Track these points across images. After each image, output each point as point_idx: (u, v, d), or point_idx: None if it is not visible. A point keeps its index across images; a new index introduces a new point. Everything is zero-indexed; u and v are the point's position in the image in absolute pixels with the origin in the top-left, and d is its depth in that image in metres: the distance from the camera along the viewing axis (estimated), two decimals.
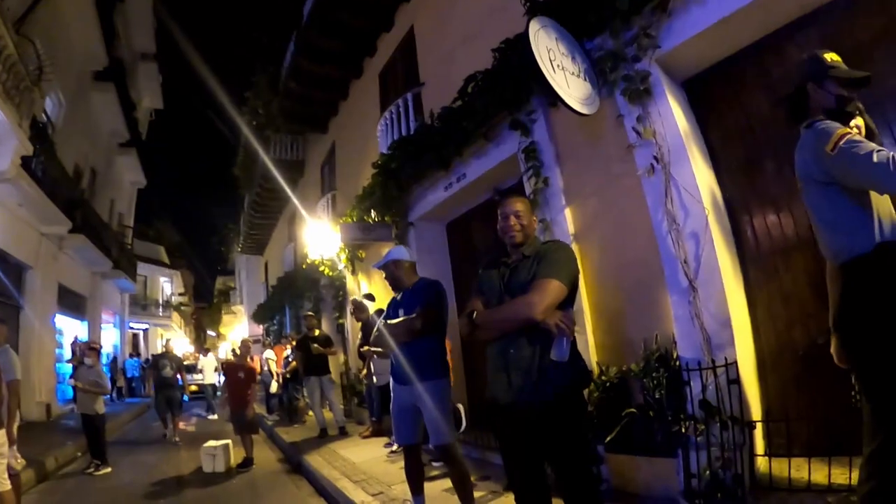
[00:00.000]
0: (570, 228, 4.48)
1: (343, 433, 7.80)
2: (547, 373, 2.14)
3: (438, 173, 6.44)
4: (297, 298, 14.72)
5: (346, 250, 9.23)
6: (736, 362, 3.12)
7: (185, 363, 12.47)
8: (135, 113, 18.70)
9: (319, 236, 9.40)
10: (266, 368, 11.50)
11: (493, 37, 5.29)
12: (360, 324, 7.09)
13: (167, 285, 29.89)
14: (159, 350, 15.71)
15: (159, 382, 9.25)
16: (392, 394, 3.50)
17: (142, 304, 25.39)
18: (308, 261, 11.17)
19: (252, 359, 9.01)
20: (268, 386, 11.37)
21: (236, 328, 32.42)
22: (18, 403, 4.92)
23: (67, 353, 13.12)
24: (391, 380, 3.52)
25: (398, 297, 3.60)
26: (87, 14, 12.26)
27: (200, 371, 14.29)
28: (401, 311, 3.44)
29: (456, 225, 7.22)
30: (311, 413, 9.85)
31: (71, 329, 14.21)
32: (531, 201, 4.26)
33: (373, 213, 7.78)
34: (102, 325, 17.50)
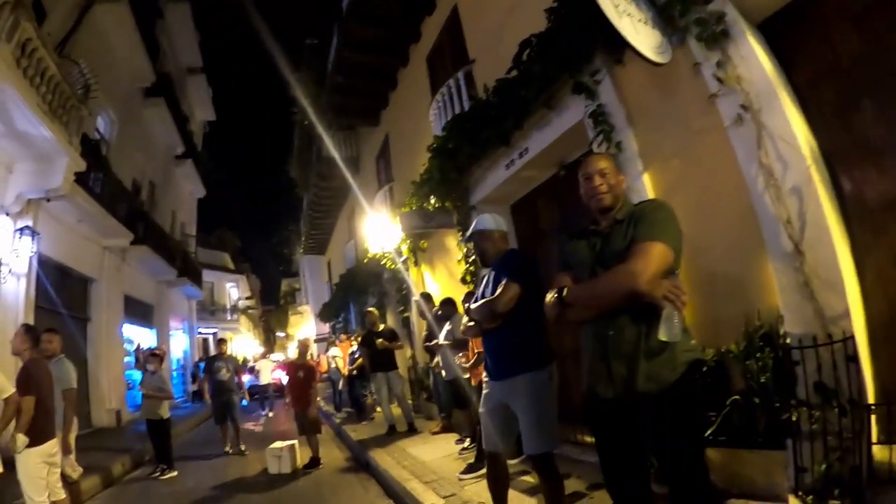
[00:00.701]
0: (650, 195, 3.99)
1: (412, 430, 7.59)
2: (656, 357, 1.84)
3: (498, 151, 6.06)
4: (360, 295, 14.63)
5: (408, 241, 8.99)
6: (853, 336, 2.60)
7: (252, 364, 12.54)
8: (188, 125, 19.22)
9: (379, 229, 9.16)
10: (333, 366, 11.37)
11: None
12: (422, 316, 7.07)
13: (234, 290, 30.92)
14: (213, 352, 15.37)
15: (215, 388, 8.27)
16: (484, 391, 3.07)
17: (210, 310, 26.34)
18: (369, 255, 10.95)
19: (312, 357, 8.89)
20: (336, 383, 11.28)
21: (303, 328, 33.08)
22: (75, 412, 4.86)
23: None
24: (484, 375, 3.10)
25: (488, 275, 3.13)
26: (129, 32, 12.50)
27: (258, 372, 14.60)
28: (487, 292, 2.98)
29: (520, 206, 6.75)
30: (379, 409, 9.73)
31: (140, 337, 14.71)
32: None
33: (432, 200, 7.46)
34: (172, 332, 18.16)
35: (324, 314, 21.39)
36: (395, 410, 8.06)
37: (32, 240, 7.95)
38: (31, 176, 8.08)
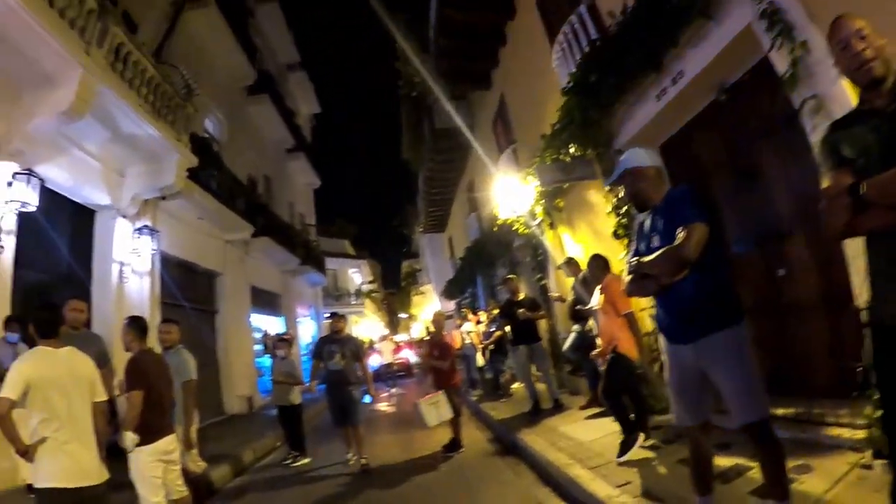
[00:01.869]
0: (853, 101, 2.90)
1: (558, 406, 6.94)
2: None
3: (647, 79, 5.09)
4: (488, 267, 13.99)
5: (542, 202, 8.18)
6: None
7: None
8: (295, 119, 19.81)
9: (508, 193, 8.47)
10: (468, 341, 10.80)
11: None
12: (571, 280, 6.39)
13: (356, 276, 32.08)
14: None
15: (328, 380, 6.31)
16: (668, 359, 2.56)
17: (335, 296, 27.48)
18: (499, 222, 10.22)
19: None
20: (470, 359, 10.74)
21: (426, 308, 33.66)
22: (196, 404, 4.72)
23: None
24: (664, 341, 2.58)
25: (646, 222, 2.61)
26: (223, 34, 12.81)
27: (380, 352, 14.76)
28: (654, 239, 2.47)
29: (673, 145, 5.66)
30: (516, 386, 9.18)
31: (269, 325, 15.43)
32: (790, 78, 3.37)
33: (571, 149, 6.54)
34: (299, 319, 19.00)
35: (448, 291, 21.18)
36: (539, 386, 7.41)
37: (151, 238, 8.27)
38: (145, 177, 8.35)
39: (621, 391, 4.45)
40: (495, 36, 10.56)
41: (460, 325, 11.55)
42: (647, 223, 2.58)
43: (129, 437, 3.53)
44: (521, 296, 7.59)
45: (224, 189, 11.28)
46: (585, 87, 5.94)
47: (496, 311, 9.53)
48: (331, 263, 26.84)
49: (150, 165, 8.36)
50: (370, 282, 34.55)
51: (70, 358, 3.25)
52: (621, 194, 5.65)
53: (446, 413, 6.11)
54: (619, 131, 5.90)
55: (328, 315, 6.57)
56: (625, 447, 4.13)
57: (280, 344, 7.27)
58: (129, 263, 8.11)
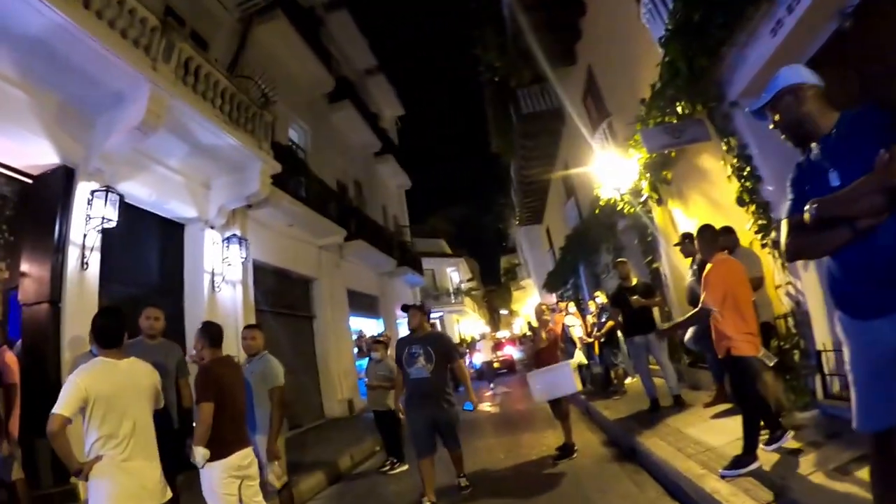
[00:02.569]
0: None
1: (679, 403, 6.13)
2: None
3: (759, 11, 4.16)
4: (590, 254, 13.05)
5: (648, 175, 7.30)
6: None
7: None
8: (379, 123, 19.88)
9: (608, 170, 7.76)
10: (569, 336, 9.70)
11: None
12: (689, 260, 5.60)
13: (454, 274, 31.89)
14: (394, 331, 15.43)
15: (413, 391, 4.80)
16: (851, 340, 1.89)
17: (434, 295, 27.40)
18: (601, 203, 9.40)
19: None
20: (571, 355, 9.79)
21: (528, 302, 32.82)
22: (283, 412, 4.44)
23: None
24: (844, 317, 1.91)
25: (817, 153, 1.95)
26: (295, 44, 12.84)
27: (481, 350, 14.25)
28: (833, 176, 1.84)
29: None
30: (629, 381, 8.28)
31: (367, 328, 15.45)
32: None
33: (678, 108, 5.63)
34: (398, 320, 18.96)
35: (549, 283, 20.28)
36: (657, 381, 6.57)
37: (240, 246, 8.32)
38: (230, 187, 8.45)
39: (753, 394, 3.56)
40: (575, 5, 9.78)
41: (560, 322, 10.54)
42: (819, 154, 1.92)
43: (200, 452, 3.23)
44: (634, 281, 6.73)
45: (312, 195, 11.33)
46: (688, 30, 4.99)
47: (605, 300, 8.61)
48: (428, 263, 26.84)
49: (234, 176, 8.45)
50: (469, 279, 34.25)
51: (132, 370, 3.00)
52: (746, 152, 4.70)
53: (569, 386, 5.42)
54: (731, 80, 4.87)
55: (403, 307, 5.20)
56: (738, 463, 3.41)
57: (375, 345, 6.93)
58: (220, 273, 8.22)
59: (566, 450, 5.46)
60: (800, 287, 4.24)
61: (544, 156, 15.73)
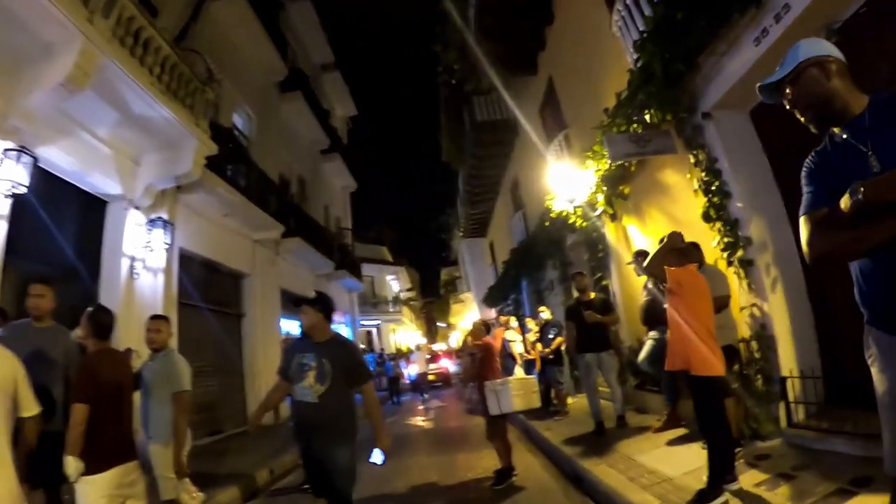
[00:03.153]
0: None
1: (622, 425, 5.91)
2: None
3: (745, 17, 3.99)
4: (535, 269, 12.74)
5: (604, 189, 7.05)
6: None
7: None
8: (330, 120, 19.20)
9: (562, 182, 7.41)
10: (508, 352, 9.16)
11: None
12: (643, 278, 5.46)
13: (394, 283, 31.33)
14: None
15: (298, 418, 3.49)
16: (888, 364, 1.54)
17: (371, 303, 26.73)
18: (552, 215, 9.00)
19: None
20: (510, 372, 9.35)
21: (466, 316, 32.60)
22: (189, 421, 3.80)
23: None
24: (882, 336, 1.56)
25: (846, 136, 1.64)
26: (251, 26, 12.19)
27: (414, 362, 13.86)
28: (873, 162, 1.54)
29: (766, 109, 4.55)
30: (572, 401, 8.02)
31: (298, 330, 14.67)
32: None
33: (647, 117, 5.38)
34: (334, 326, 18.19)
35: (490, 298, 20.11)
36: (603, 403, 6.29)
37: (165, 231, 7.54)
38: (160, 165, 7.66)
39: (721, 419, 3.32)
40: (542, 13, 9.64)
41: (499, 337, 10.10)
42: (849, 141, 1.62)
43: (72, 464, 2.63)
44: (592, 295, 6.46)
45: (252, 185, 10.61)
46: (669, 31, 4.81)
47: (550, 316, 8.37)
48: (368, 270, 26.20)
49: (165, 153, 7.68)
50: (408, 289, 33.75)
51: None
52: (716, 166, 4.57)
53: (536, 400, 5.27)
54: (705, 91, 4.77)
55: (295, 301, 3.76)
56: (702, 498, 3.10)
57: None
58: (140, 259, 7.41)
59: (503, 474, 5.02)
60: (766, 309, 4.11)
61: (495, 166, 15.63)
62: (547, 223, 9.53)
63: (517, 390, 5.13)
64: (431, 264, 43.80)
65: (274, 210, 11.54)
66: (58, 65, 5.45)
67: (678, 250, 3.52)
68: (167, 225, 7.60)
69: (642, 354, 5.29)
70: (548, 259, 11.17)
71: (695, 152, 4.86)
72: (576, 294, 6.54)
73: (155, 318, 4.03)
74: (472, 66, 11.61)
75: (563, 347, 7.94)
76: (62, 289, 6.44)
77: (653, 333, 5.28)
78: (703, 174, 4.75)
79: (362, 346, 22.00)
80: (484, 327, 5.80)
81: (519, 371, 8.88)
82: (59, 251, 6.63)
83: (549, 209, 8.86)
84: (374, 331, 26.66)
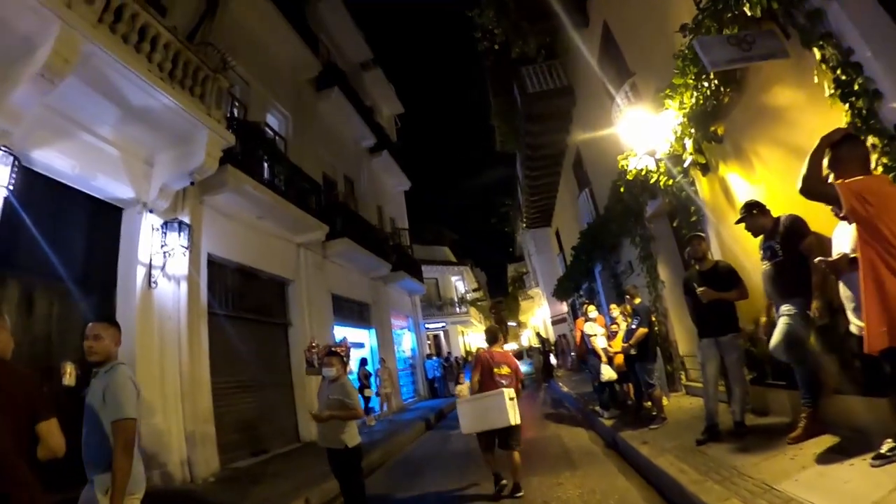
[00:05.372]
0: None
1: (742, 432, 4.45)
2: None
3: None
4: (609, 252, 11.20)
5: (693, 131, 5.56)
6: None
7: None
8: (375, 118, 18.44)
9: (639, 132, 6.07)
10: (590, 347, 7.87)
11: None
12: (759, 238, 4.16)
13: (459, 284, 30.23)
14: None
15: None
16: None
17: (437, 305, 25.74)
18: (629, 176, 7.30)
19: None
20: (596, 372, 7.69)
21: (536, 312, 31.06)
22: (130, 454, 2.72)
23: (353, 366, 12.51)
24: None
25: None
26: (275, 21, 11.58)
27: None
28: None
29: None
30: (667, 402, 6.57)
31: (360, 340, 13.85)
32: None
33: (746, 9, 3.92)
34: (397, 331, 17.35)
35: (559, 291, 18.60)
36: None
37: (181, 234, 6.78)
38: (173, 163, 6.97)
39: None
40: None
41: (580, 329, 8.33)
42: None
43: None
44: (710, 262, 4.93)
45: (289, 185, 9.85)
46: None
47: (637, 300, 6.82)
48: (431, 272, 25.33)
49: (178, 149, 7.00)
50: (475, 289, 32.55)
51: None
52: (852, 59, 3.16)
53: (501, 420, 4.65)
54: None
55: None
56: None
57: (329, 359, 4.87)
58: (158, 266, 6.69)
59: (499, 490, 4.66)
60: None
61: (553, 143, 14.13)
62: (622, 188, 7.94)
63: (465, 411, 4.91)
64: (498, 262, 42.49)
65: (316, 210, 10.76)
66: (37, 55, 4.90)
67: (852, 147, 2.25)
68: (184, 227, 6.83)
69: (776, 337, 3.76)
70: (624, 237, 9.57)
71: (820, 45, 3.42)
72: (696, 266, 4.98)
73: (98, 321, 3.04)
74: (514, 26, 10.27)
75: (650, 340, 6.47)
76: (74, 303, 5.95)
77: (786, 308, 3.78)
78: (839, 73, 3.30)
79: (428, 351, 20.99)
80: (490, 335, 5.41)
81: (606, 370, 7.47)
82: (71, 262, 6.01)
83: (623, 172, 7.35)
84: (440, 334, 25.65)
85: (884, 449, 2.84)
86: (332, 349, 5.46)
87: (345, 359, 5.25)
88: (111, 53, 5.53)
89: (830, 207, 3.05)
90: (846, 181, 2.30)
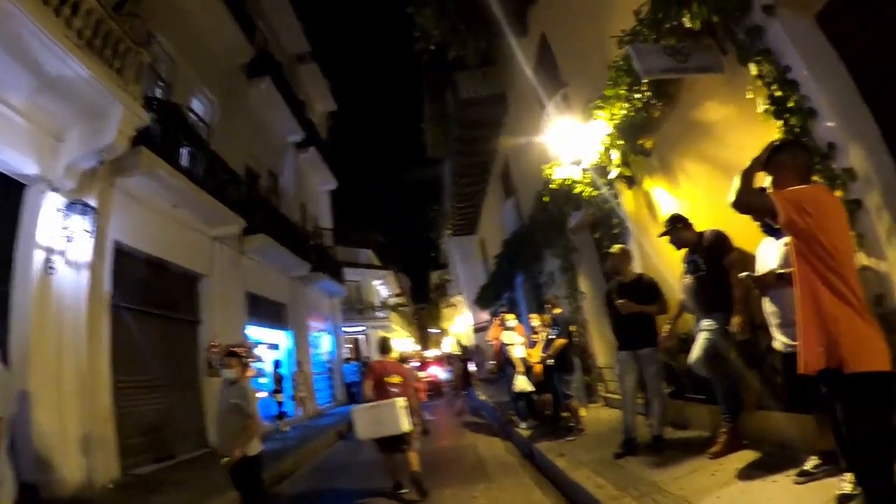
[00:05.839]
0: None
1: (660, 447, 4.48)
2: None
3: None
4: (531, 262, 11.18)
5: (621, 142, 5.61)
6: None
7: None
8: (307, 113, 17.91)
9: (565, 142, 6.07)
10: (507, 357, 7.82)
11: None
12: (682, 251, 4.24)
13: (382, 288, 29.91)
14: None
15: None
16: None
17: (358, 309, 25.31)
18: (554, 185, 7.32)
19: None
20: (510, 381, 7.62)
21: (457, 320, 31.23)
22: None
23: (268, 367, 12.01)
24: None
25: None
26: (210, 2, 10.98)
27: None
28: None
29: (839, 12, 3.30)
30: (583, 412, 6.55)
31: (274, 340, 13.33)
32: None
33: (685, 20, 3.96)
34: (316, 333, 16.85)
35: (481, 300, 18.70)
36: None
37: (85, 217, 6.20)
38: (83, 140, 6.39)
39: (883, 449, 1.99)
40: None
41: (495, 338, 8.32)
42: None
43: None
44: (632, 275, 5.00)
45: (207, 174, 9.29)
46: None
47: (557, 310, 6.89)
48: (354, 275, 24.89)
49: (89, 124, 6.44)
50: (397, 294, 32.33)
51: None
52: (789, 76, 3.29)
53: (393, 427, 4.94)
54: None
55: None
56: None
57: (228, 360, 4.50)
58: (60, 251, 6.07)
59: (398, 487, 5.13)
60: (885, 270, 2.84)
61: (483, 151, 14.23)
62: (546, 198, 8.08)
63: (360, 418, 5.13)
64: (422, 269, 42.39)
65: (236, 203, 10.23)
66: None
67: (794, 154, 2.30)
68: (89, 209, 6.25)
69: (696, 352, 3.86)
70: (546, 247, 9.70)
71: (757, 60, 3.53)
72: (619, 278, 5.04)
73: None
74: (452, 28, 10.26)
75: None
76: None
77: (707, 322, 3.90)
78: (774, 89, 3.41)
79: (347, 355, 20.54)
80: (382, 346, 5.84)
81: (521, 381, 7.49)
82: None
83: (548, 180, 7.42)
84: (361, 338, 25.23)
85: (808, 465, 2.91)
86: (232, 349, 4.96)
87: (246, 360, 4.92)
88: (28, 13, 5.07)
89: (758, 225, 3.18)
90: (782, 191, 2.22)
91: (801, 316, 2.16)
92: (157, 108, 8.06)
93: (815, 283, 2.08)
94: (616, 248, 5.15)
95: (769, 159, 2.39)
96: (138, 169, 7.24)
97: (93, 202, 6.55)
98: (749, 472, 3.33)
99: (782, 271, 2.79)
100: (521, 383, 7.38)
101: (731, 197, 2.28)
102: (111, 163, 6.88)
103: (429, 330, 41.70)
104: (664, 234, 4.33)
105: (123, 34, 6.76)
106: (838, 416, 2.07)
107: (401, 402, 5.05)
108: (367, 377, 5.53)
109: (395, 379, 5.34)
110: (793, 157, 2.39)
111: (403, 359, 8.37)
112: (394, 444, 5.10)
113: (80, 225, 6.12)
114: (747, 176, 2.28)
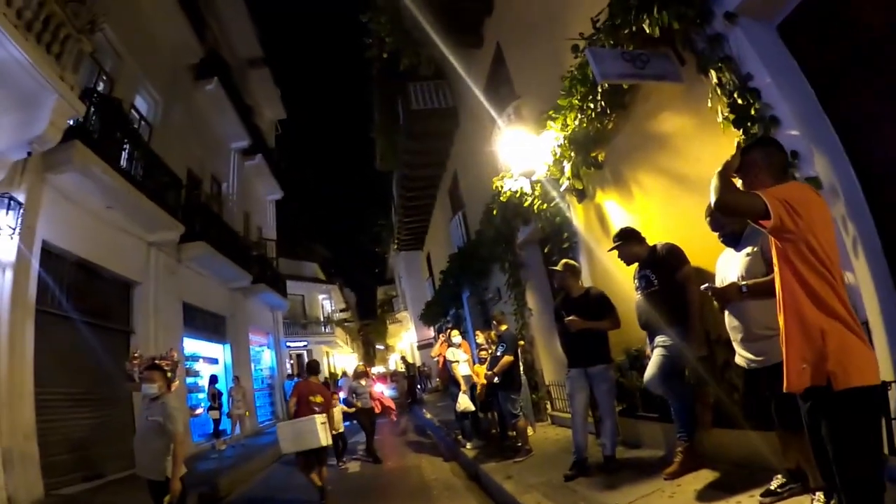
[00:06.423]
0: None
1: (612, 468, 4.33)
2: None
3: None
4: (478, 278, 11.01)
5: (572, 154, 5.49)
6: None
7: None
8: (254, 119, 17.41)
9: (515, 152, 5.98)
10: (451, 374, 7.65)
11: None
12: (632, 267, 4.17)
13: (327, 303, 29.22)
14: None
15: None
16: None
17: (301, 323, 24.59)
18: (503, 197, 7.25)
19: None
20: (455, 399, 7.48)
21: (404, 336, 30.89)
22: None
23: (204, 382, 11.39)
24: None
25: None
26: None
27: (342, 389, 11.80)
28: None
29: (800, 22, 3.32)
30: (532, 433, 6.46)
31: (213, 354, 12.68)
32: None
33: (645, 26, 3.86)
34: (257, 347, 16.17)
35: (426, 316, 18.46)
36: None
37: (9, 212, 5.68)
38: (13, 129, 5.89)
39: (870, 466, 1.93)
40: None
41: (440, 354, 8.08)
42: None
43: None
44: (580, 289, 4.85)
45: (147, 176, 8.80)
46: None
47: (503, 327, 6.57)
48: (298, 288, 24.26)
49: (21, 113, 5.93)
50: (342, 310, 31.67)
51: None
52: (751, 84, 3.28)
53: (311, 441, 5.54)
54: None
55: None
56: None
57: (149, 373, 4.04)
58: None
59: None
60: (852, 283, 2.89)
61: (431, 164, 14.19)
62: (495, 211, 8.02)
63: (284, 433, 5.74)
64: (368, 284, 41.70)
65: (175, 208, 9.73)
66: None
67: (768, 153, 2.20)
68: (13, 204, 5.74)
69: (651, 370, 3.83)
70: (494, 262, 9.60)
71: (718, 68, 3.48)
72: (568, 293, 4.90)
73: None
74: (405, 36, 10.17)
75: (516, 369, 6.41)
76: None
77: (661, 339, 3.81)
78: (735, 97, 3.36)
79: (289, 371, 19.80)
80: (310, 368, 6.67)
81: (463, 400, 7.33)
82: None
83: (497, 193, 7.37)
84: (304, 353, 24.45)
85: (773, 485, 2.81)
86: (155, 362, 4.37)
87: (169, 374, 4.48)
88: None
89: (717, 236, 3.14)
90: (770, 189, 2.01)
91: (785, 330, 2.02)
92: (97, 101, 7.59)
93: (796, 293, 1.95)
94: (561, 264, 4.97)
95: (742, 159, 2.22)
96: (71, 164, 6.74)
97: (21, 197, 6.05)
98: (709, 494, 3.22)
99: (744, 283, 2.72)
100: (464, 402, 7.27)
101: (713, 197, 2.07)
102: (43, 156, 6.41)
103: (375, 346, 41.08)
104: (613, 248, 4.24)
105: (66, 19, 6.32)
106: (824, 433, 1.95)
107: (320, 418, 5.65)
108: (293, 395, 6.11)
109: (318, 398, 5.95)
110: (766, 154, 2.23)
111: (364, 373, 8.85)
112: (314, 456, 5.68)
113: (5, 220, 5.60)
114: (724, 175, 2.10)
